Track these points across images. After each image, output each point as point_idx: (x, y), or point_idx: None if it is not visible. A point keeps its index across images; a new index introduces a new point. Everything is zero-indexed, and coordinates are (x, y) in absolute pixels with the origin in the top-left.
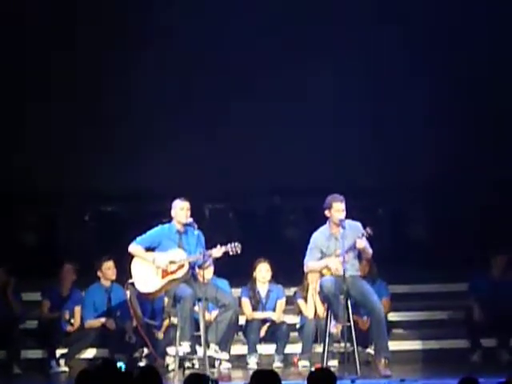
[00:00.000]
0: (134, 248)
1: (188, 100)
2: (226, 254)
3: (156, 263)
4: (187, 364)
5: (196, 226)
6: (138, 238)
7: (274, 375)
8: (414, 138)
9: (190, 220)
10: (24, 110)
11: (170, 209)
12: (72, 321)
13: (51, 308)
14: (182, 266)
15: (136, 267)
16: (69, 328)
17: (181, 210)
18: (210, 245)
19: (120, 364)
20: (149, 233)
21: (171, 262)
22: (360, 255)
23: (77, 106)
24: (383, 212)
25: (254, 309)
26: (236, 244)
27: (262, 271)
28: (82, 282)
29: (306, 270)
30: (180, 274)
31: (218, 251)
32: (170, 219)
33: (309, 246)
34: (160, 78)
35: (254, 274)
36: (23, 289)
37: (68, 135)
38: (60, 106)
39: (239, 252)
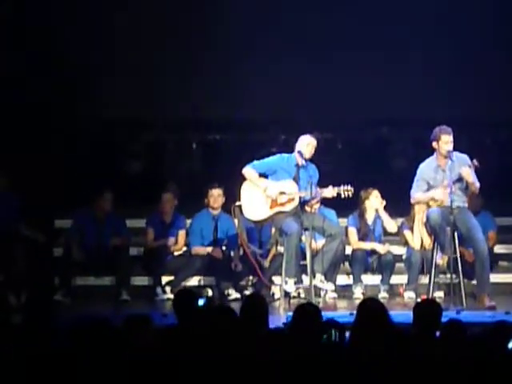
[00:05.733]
0: (249, 171)
1: (298, 21)
2: (337, 195)
3: (267, 192)
4: (293, 293)
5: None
6: (255, 162)
7: (379, 304)
8: None
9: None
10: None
11: (279, 138)
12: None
13: (156, 236)
14: (293, 199)
15: (246, 192)
16: (173, 249)
17: (307, 145)
18: (320, 177)
19: (201, 300)
20: (267, 159)
21: (281, 193)
22: (467, 188)
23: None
24: (491, 144)
25: (362, 239)
26: (349, 187)
27: (372, 200)
28: (189, 210)
29: (412, 201)
30: (289, 207)
31: (329, 192)
32: (292, 150)
33: (415, 178)
34: None
35: (364, 204)
36: (130, 216)
37: (173, 62)
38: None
39: (351, 196)
